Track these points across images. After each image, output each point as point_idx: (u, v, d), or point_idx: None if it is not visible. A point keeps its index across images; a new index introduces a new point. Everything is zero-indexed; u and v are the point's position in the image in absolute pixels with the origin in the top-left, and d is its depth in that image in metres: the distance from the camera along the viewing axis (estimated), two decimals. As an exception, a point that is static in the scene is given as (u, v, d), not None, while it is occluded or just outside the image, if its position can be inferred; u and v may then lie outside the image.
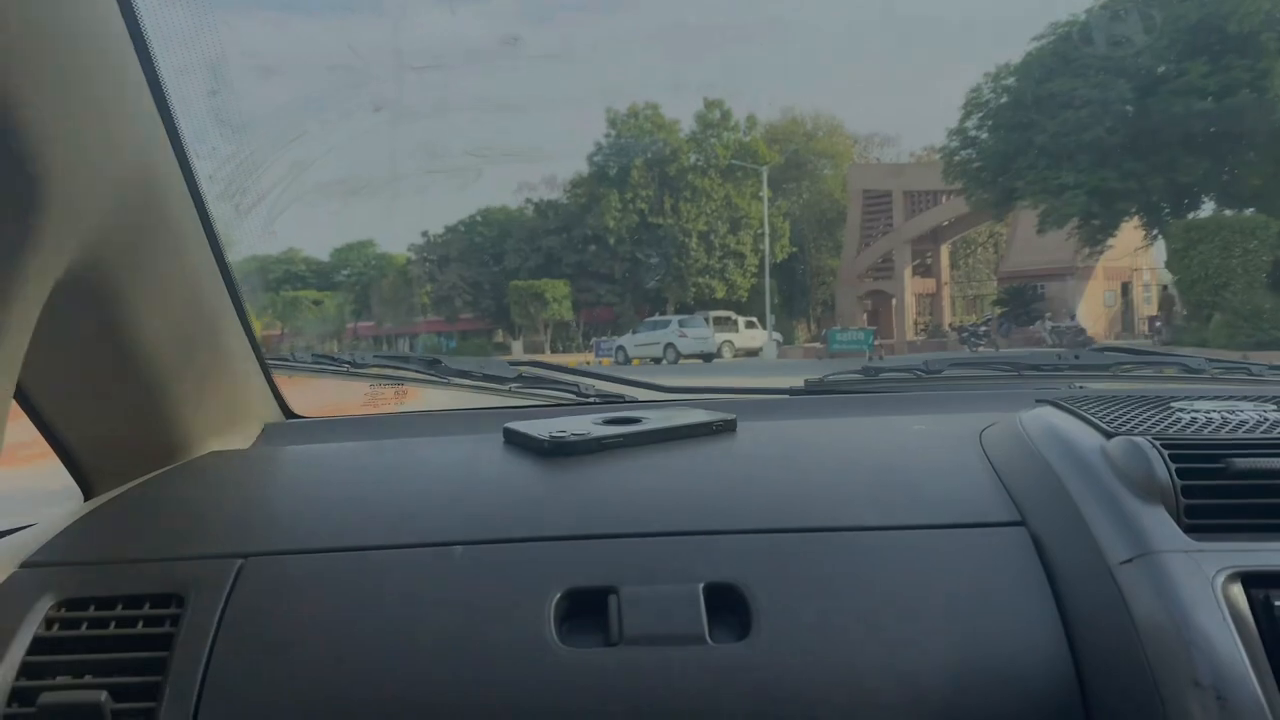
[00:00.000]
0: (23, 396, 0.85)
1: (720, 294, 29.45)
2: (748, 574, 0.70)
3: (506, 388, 1.26)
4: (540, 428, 0.93)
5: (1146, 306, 26.95)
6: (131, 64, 0.71)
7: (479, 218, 31.61)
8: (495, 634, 0.67)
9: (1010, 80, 18.09)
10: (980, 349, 21.25)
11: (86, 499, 0.95)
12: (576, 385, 1.26)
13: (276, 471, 0.99)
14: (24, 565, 0.76)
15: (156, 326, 0.86)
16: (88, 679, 0.67)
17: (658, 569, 0.71)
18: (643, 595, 0.69)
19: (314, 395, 1.28)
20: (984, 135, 18.93)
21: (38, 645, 0.69)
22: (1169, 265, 16.99)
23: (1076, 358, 1.30)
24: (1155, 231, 18.86)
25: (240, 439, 1.08)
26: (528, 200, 31.67)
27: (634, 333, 23.93)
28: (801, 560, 0.71)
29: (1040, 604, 0.67)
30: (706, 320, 23.74)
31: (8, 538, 0.87)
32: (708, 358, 21.79)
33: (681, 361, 21.69)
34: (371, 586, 0.72)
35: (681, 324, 23.17)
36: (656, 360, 22.06)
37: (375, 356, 1.34)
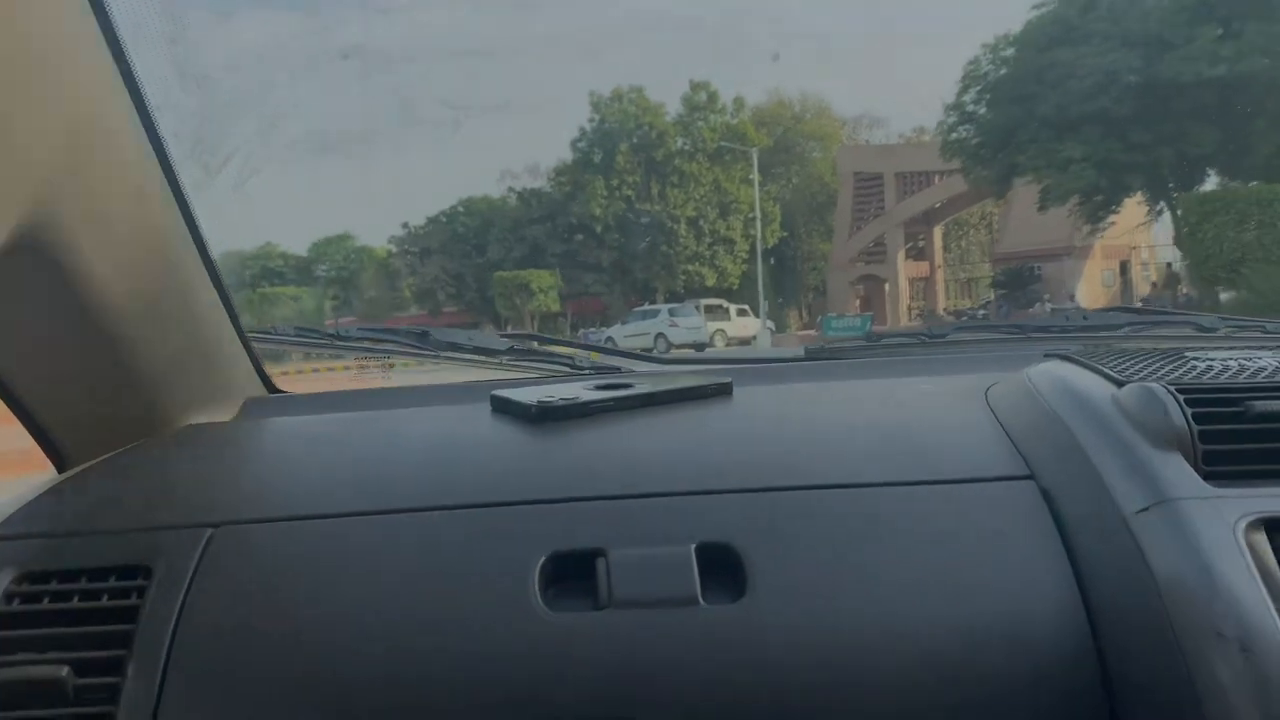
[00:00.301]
0: None
1: (710, 281, 28.88)
2: (743, 533, 0.67)
3: (498, 360, 1.21)
4: (528, 394, 0.89)
5: (1145, 285, 26.56)
6: (81, 12, 0.67)
7: (460, 208, 30.88)
8: (477, 600, 0.64)
9: (1010, 51, 17.47)
10: (979, 332, 20.82)
11: (60, 473, 0.91)
12: (571, 358, 1.22)
13: (253, 443, 0.96)
14: None
15: (121, 291, 0.81)
16: (50, 655, 0.64)
17: (648, 530, 0.68)
18: (632, 557, 0.66)
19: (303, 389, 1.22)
20: (982, 110, 18.29)
21: None
22: (1179, 241, 16.42)
23: (1085, 318, 1.26)
24: (1160, 206, 18.29)
25: (220, 413, 1.03)
26: (510, 189, 30.96)
27: (623, 323, 23.37)
28: (799, 519, 0.68)
29: (1051, 558, 0.64)
30: (698, 308, 23.17)
31: None
32: (700, 347, 21.28)
33: (673, 351, 21.13)
34: (347, 554, 0.69)
35: (672, 313, 22.65)
36: (647, 351, 21.49)
37: (360, 330, 1.26)
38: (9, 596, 0.67)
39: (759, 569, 0.64)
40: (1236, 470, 0.62)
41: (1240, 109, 14.93)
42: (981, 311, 22.33)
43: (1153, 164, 16.01)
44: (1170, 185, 17.15)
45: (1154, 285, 22.13)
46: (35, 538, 0.74)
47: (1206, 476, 0.61)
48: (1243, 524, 0.57)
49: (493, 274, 28.27)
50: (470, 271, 29.83)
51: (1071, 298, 21.88)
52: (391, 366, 1.33)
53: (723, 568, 0.66)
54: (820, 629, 0.62)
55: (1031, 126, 16.48)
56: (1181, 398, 0.65)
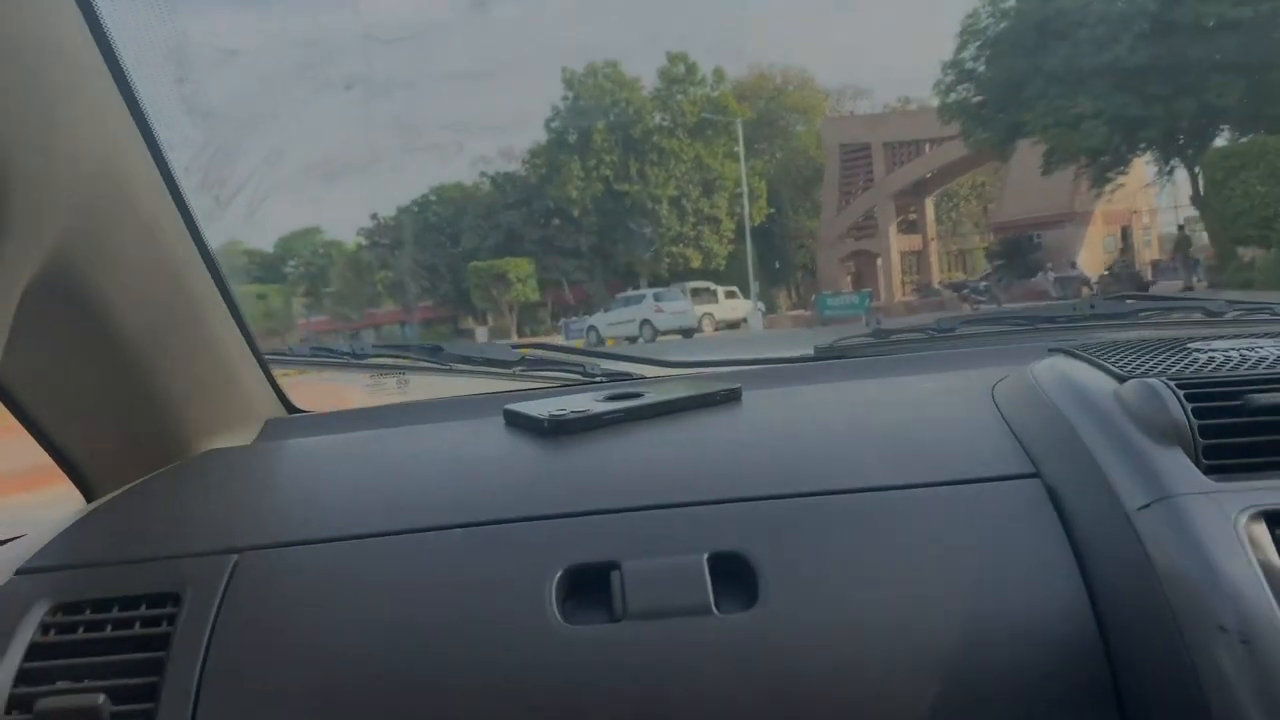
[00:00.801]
0: (12, 402, 0.85)
1: (696, 263, 27.64)
2: (754, 541, 0.68)
3: (510, 372, 1.21)
4: (540, 407, 0.90)
5: (1147, 250, 25.65)
6: (91, 53, 0.70)
7: (432, 196, 29.44)
8: (496, 616, 0.66)
9: (1011, 1, 16.20)
10: (982, 305, 19.96)
11: (88, 502, 0.93)
12: (581, 365, 1.22)
13: (274, 466, 0.97)
14: (19, 572, 0.76)
15: (139, 323, 0.84)
16: (86, 683, 0.67)
17: (661, 541, 0.69)
18: (646, 569, 0.67)
19: (316, 392, 1.25)
20: (981, 68, 17.06)
21: (34, 651, 0.69)
22: (1198, 200, 15.32)
23: (1092, 307, 1.25)
24: (1171, 164, 17.17)
25: (241, 436, 1.05)
26: (482, 174, 29.41)
27: (605, 311, 22.07)
28: (809, 525, 0.69)
29: (1057, 555, 0.65)
30: (684, 292, 21.89)
31: (4, 546, 0.86)
32: (687, 333, 20.04)
33: (659, 339, 19.87)
34: (368, 575, 0.71)
35: (657, 298, 21.32)
36: (632, 339, 20.30)
37: (375, 347, 1.28)
38: (45, 627, 0.70)
39: (770, 576, 0.65)
40: (1237, 463, 0.62)
41: (1266, 55, 13.73)
42: (984, 284, 21.21)
43: (1170, 118, 14.81)
44: (1182, 142, 16.02)
45: (1115, 262, 20.98)
46: (67, 569, 0.75)
47: (1208, 470, 0.61)
48: (1244, 517, 0.57)
49: (467, 264, 26.94)
50: (444, 262, 28.42)
51: (1074, 265, 20.83)
52: (407, 382, 1.27)
53: (735, 576, 0.66)
54: (831, 634, 0.62)
55: (1038, 82, 15.27)
56: (1181, 393, 0.65)
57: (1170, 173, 17.51)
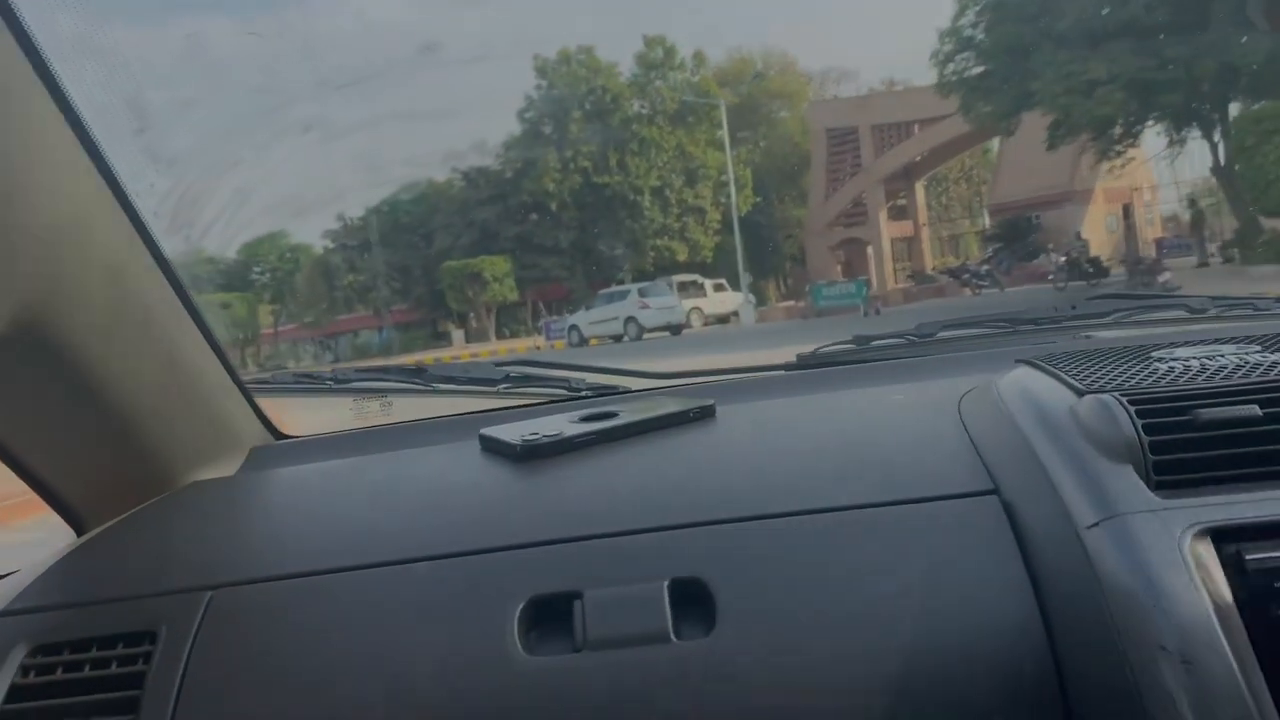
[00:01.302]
0: None
1: (681, 256, 26.46)
2: (713, 567, 0.68)
3: (495, 390, 1.21)
4: (514, 431, 0.91)
5: (1150, 228, 24.70)
6: (48, 108, 0.72)
7: (402, 194, 28.05)
8: (460, 649, 0.67)
9: (1013, -39, 15.02)
10: (984, 290, 18.97)
11: (78, 535, 0.95)
12: (567, 380, 1.23)
13: (253, 499, 0.99)
14: (2, 614, 0.77)
15: (115, 363, 0.86)
16: None
17: (623, 569, 0.70)
18: (607, 598, 0.68)
19: (300, 405, 1.28)
20: (981, 35, 15.89)
21: (15, 693, 0.70)
22: (1224, 168, 14.24)
23: (1073, 308, 1.26)
24: (1183, 135, 16.09)
25: (226, 465, 1.06)
26: (454, 169, 28.03)
27: (588, 309, 20.78)
28: (768, 548, 0.70)
29: (1012, 574, 0.65)
30: (670, 286, 20.63)
31: None
32: (675, 329, 18.78)
33: (646, 336, 18.63)
34: (337, 611, 0.72)
35: (642, 293, 19.98)
36: (616, 338, 19.05)
37: (357, 371, 1.30)
38: (25, 669, 0.71)
39: (727, 602, 0.66)
40: (1186, 479, 0.62)
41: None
42: (984, 268, 20.16)
43: (1191, 82, 13.67)
44: (1198, 108, 14.92)
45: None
46: (48, 610, 0.77)
47: (1157, 487, 0.61)
48: (1188, 536, 0.57)
49: (441, 265, 25.59)
50: (417, 263, 27.08)
51: (1078, 235, 19.82)
52: (390, 404, 1.23)
53: (694, 602, 0.67)
54: (785, 659, 0.63)
55: (1046, 47, 14.10)
56: (1133, 409, 0.65)
57: (1182, 144, 16.43)
